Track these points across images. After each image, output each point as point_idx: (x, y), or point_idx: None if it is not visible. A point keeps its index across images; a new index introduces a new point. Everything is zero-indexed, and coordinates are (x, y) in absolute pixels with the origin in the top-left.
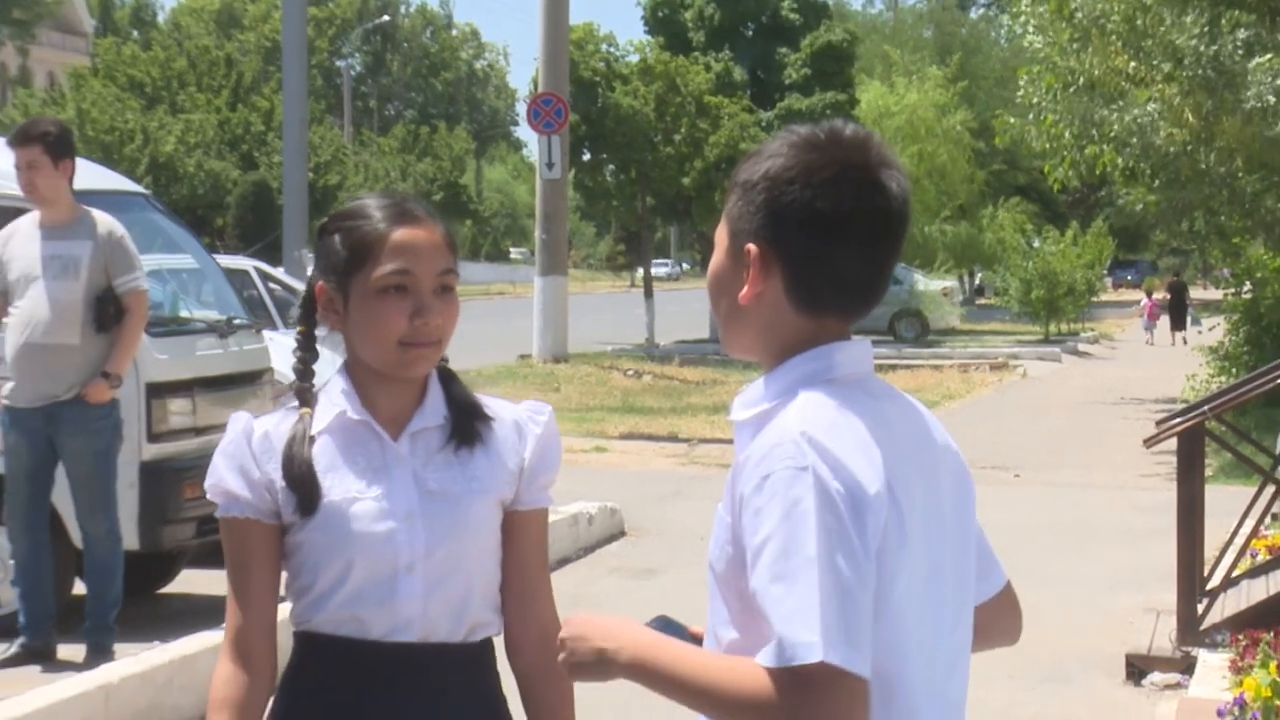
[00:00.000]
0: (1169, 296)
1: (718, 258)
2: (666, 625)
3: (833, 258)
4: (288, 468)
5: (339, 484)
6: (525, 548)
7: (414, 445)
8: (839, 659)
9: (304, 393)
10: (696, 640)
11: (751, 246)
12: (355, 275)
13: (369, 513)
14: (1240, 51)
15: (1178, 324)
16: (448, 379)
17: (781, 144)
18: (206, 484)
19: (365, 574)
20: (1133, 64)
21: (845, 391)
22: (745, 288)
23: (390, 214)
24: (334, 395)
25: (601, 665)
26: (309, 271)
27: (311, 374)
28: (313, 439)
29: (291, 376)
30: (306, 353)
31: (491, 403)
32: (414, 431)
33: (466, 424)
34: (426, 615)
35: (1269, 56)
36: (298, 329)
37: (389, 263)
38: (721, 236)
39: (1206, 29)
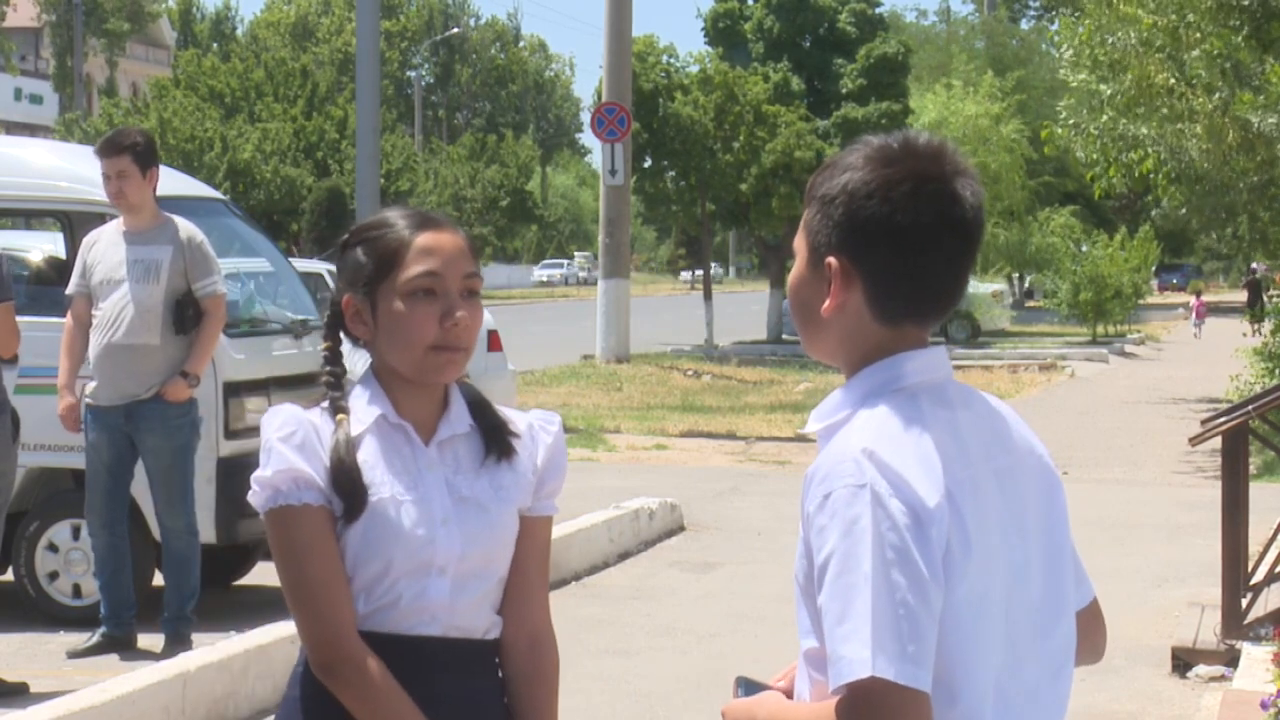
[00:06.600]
0: (1248, 293)
1: (798, 269)
2: (750, 686)
3: (912, 270)
4: (337, 471)
5: (381, 485)
6: (528, 552)
7: (442, 452)
8: (891, 673)
9: (337, 400)
10: (785, 694)
11: (832, 260)
12: (382, 282)
13: (410, 515)
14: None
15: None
16: (468, 389)
17: (857, 157)
18: (270, 471)
19: (401, 573)
20: (1172, 80)
21: (912, 401)
22: (827, 300)
23: (412, 221)
24: (365, 400)
25: None
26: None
27: (343, 386)
28: (354, 442)
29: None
30: (336, 366)
31: (506, 413)
32: (442, 439)
33: (498, 437)
34: (452, 612)
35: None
36: (324, 344)
37: (416, 266)
38: (801, 248)
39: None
